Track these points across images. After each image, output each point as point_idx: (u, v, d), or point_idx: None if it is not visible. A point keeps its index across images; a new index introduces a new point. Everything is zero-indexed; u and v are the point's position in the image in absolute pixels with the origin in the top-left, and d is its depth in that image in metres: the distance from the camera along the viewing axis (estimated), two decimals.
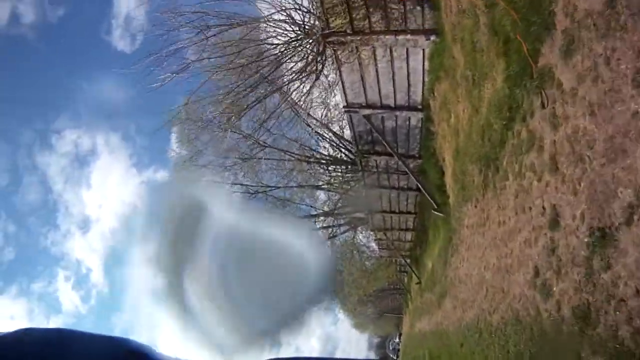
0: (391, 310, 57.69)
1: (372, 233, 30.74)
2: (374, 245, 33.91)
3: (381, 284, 43.54)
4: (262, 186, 25.34)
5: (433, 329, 18.71)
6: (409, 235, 30.32)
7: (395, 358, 60.07)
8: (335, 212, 28.17)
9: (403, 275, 43.10)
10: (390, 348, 66.13)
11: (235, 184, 23.86)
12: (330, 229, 30.00)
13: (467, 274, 11.45)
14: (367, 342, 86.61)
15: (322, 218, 29.58)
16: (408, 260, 30.38)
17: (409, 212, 26.32)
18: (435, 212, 15.83)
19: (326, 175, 27.81)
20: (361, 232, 31.51)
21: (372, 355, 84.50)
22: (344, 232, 30.47)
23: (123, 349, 1.40)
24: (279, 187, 26.00)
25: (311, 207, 29.47)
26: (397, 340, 60.68)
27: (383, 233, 29.31)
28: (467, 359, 10.61)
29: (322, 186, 28.07)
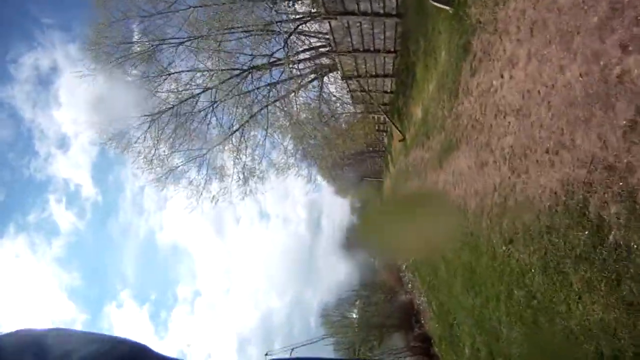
0: (371, 174, 53.81)
1: (344, 83, 24.14)
2: (348, 100, 27.49)
3: (359, 145, 39.26)
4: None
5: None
6: (388, 83, 23.81)
7: None
8: (291, 57, 21.31)
9: (382, 134, 37.37)
10: None
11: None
12: (293, 81, 23.55)
13: (519, 92, 5.18)
14: (349, 207, 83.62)
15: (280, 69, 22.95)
16: (388, 115, 24.17)
17: (388, 51, 19.62)
18: (436, 3, 9.17)
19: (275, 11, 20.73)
20: (331, 82, 24.90)
21: (355, 219, 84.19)
22: (310, 81, 23.85)
23: (122, 348, 1.33)
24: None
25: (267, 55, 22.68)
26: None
27: (357, 82, 22.70)
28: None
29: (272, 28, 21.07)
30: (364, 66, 21.37)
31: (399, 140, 21.75)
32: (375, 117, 31.96)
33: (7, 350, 1.18)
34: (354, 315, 24.45)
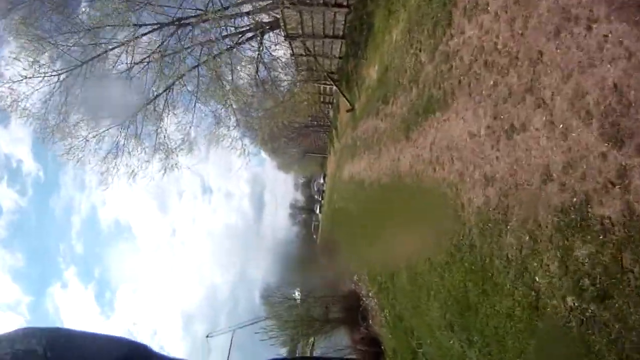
0: (315, 149, 50.95)
1: (287, 44, 20.64)
2: (292, 65, 24.07)
3: (301, 117, 36.05)
4: None
5: (387, 175, 10.11)
6: (337, 47, 20.53)
7: (319, 199, 58.03)
8: (223, 11, 17.67)
9: (328, 107, 34.21)
10: (315, 189, 64.51)
11: None
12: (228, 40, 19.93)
13: None
14: (293, 183, 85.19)
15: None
16: (336, 83, 21.02)
17: (339, 4, 16.38)
18: None
19: None
20: (273, 43, 21.37)
21: (299, 195, 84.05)
22: (248, 39, 20.22)
23: (122, 348, 1.33)
24: None
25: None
26: (321, 181, 57.74)
27: (302, 43, 19.30)
28: None
29: None
30: (310, 24, 17.96)
31: (347, 111, 18.69)
32: (321, 87, 28.67)
33: (8, 350, 1.14)
34: (297, 296, 21.79)
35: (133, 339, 1.43)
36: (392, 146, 9.47)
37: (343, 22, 17.67)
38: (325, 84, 26.63)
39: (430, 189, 6.05)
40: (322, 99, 32.02)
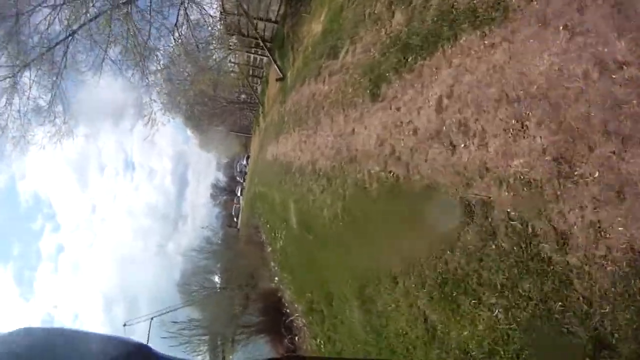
0: (240, 129, 47.38)
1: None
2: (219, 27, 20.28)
3: (227, 91, 32.64)
4: None
5: (327, 156, 7.16)
6: (275, 8, 17.21)
7: (241, 181, 55.52)
8: None
9: (257, 82, 30.70)
10: (238, 170, 60.35)
11: None
12: None
13: None
14: (215, 163, 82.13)
15: None
16: (269, 50, 17.72)
17: None
18: None
19: None
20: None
21: (221, 176, 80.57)
22: None
23: (122, 347, 1.22)
24: None
25: None
26: (244, 162, 53.97)
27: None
28: None
29: None
30: None
31: (277, 80, 15.55)
32: (252, 57, 25.18)
33: (8, 350, 1.10)
34: (216, 281, 20.10)
35: (133, 339, 1.24)
36: (340, 115, 6.53)
37: None
38: (256, 52, 23.25)
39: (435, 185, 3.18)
40: (251, 72, 28.53)
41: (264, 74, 27.21)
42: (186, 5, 16.39)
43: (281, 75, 14.88)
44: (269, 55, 15.58)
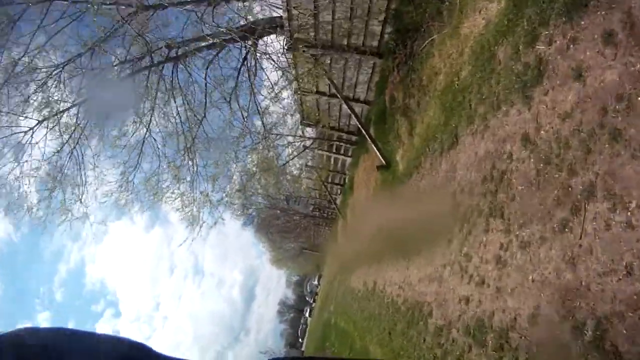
0: (313, 247, 43.35)
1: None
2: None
3: (301, 203, 29.09)
4: None
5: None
6: (367, 70, 12.60)
7: (311, 301, 51.59)
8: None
9: (335, 190, 25.72)
10: (308, 290, 56.21)
11: None
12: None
13: None
14: (286, 280, 79.01)
15: None
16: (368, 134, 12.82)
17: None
18: None
19: None
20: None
21: (290, 293, 78.29)
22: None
23: (123, 347, 1.23)
24: None
25: None
26: (315, 282, 50.09)
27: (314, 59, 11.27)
28: None
29: None
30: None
31: (378, 167, 10.21)
32: (331, 158, 20.60)
33: (8, 350, 1.10)
34: None
35: (133, 339, 1.24)
36: None
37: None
38: (338, 151, 18.75)
39: None
40: (329, 179, 23.92)
41: (345, 180, 22.39)
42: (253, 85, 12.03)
43: (384, 163, 9.60)
44: (369, 138, 10.38)
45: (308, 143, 18.29)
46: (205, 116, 12.21)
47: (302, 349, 44.60)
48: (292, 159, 17.14)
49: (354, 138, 16.93)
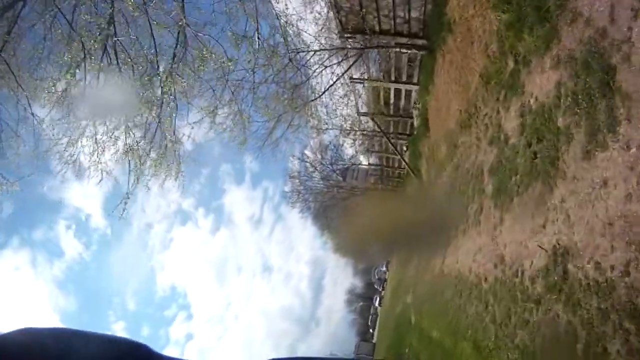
0: None
1: None
2: None
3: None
4: None
5: None
6: None
7: (380, 289, 45.53)
8: None
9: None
10: (376, 277, 49.96)
11: None
12: None
13: None
14: (352, 268, 72.14)
15: None
16: None
17: None
18: None
19: None
20: None
21: (357, 281, 72.64)
22: None
23: (122, 347, 1.19)
24: None
25: None
26: (383, 269, 44.07)
27: None
28: None
29: None
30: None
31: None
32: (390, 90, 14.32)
33: (7, 350, 1.06)
34: None
35: (132, 339, 1.19)
36: None
37: None
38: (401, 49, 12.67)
39: None
40: (390, 127, 17.84)
41: (413, 123, 15.99)
42: None
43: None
44: None
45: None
46: None
47: (373, 340, 40.14)
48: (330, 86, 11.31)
49: (419, 42, 10.61)
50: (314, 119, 12.68)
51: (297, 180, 32.53)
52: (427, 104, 12.08)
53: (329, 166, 31.83)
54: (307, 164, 31.48)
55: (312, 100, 11.15)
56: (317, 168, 31.51)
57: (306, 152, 30.84)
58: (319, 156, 30.86)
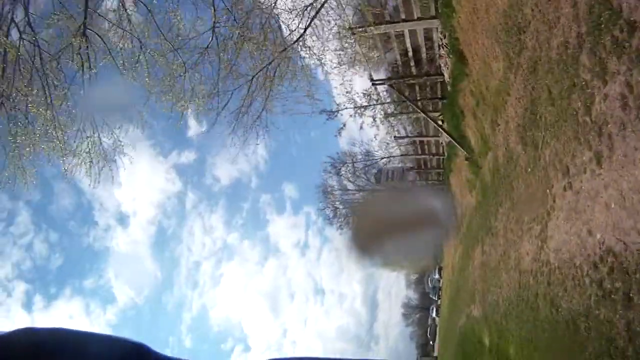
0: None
1: None
2: None
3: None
4: None
5: None
6: None
7: (435, 299, 41.62)
8: None
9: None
10: (430, 286, 45.78)
11: None
12: None
13: None
14: (404, 280, 68.97)
15: None
16: None
17: None
18: None
19: None
20: None
21: (412, 293, 70.34)
22: None
23: (122, 347, 1.18)
24: None
25: None
26: (436, 276, 39.64)
27: None
28: None
29: None
30: None
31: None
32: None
33: (7, 350, 1.06)
34: None
35: (132, 338, 1.18)
36: None
37: None
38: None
39: None
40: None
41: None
42: None
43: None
44: None
45: None
46: None
47: (435, 354, 37.35)
48: None
49: None
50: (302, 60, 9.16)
51: (331, 196, 30.76)
52: (454, 30, 8.23)
53: (363, 175, 29.69)
54: (341, 176, 29.89)
55: (295, 42, 7.66)
56: (350, 179, 29.60)
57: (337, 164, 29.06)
58: (350, 162, 28.59)
